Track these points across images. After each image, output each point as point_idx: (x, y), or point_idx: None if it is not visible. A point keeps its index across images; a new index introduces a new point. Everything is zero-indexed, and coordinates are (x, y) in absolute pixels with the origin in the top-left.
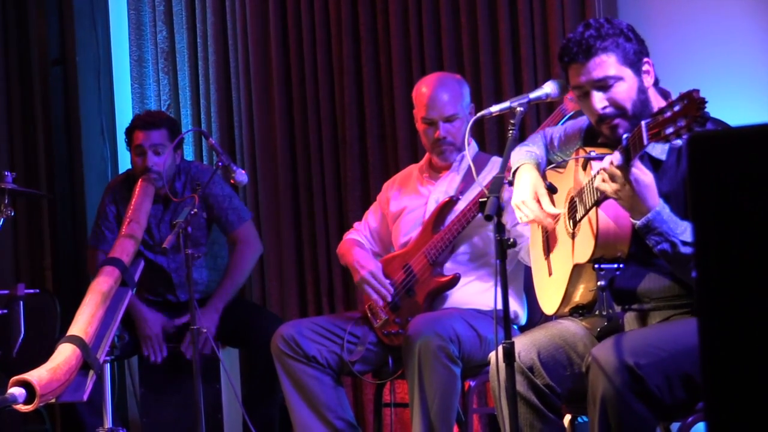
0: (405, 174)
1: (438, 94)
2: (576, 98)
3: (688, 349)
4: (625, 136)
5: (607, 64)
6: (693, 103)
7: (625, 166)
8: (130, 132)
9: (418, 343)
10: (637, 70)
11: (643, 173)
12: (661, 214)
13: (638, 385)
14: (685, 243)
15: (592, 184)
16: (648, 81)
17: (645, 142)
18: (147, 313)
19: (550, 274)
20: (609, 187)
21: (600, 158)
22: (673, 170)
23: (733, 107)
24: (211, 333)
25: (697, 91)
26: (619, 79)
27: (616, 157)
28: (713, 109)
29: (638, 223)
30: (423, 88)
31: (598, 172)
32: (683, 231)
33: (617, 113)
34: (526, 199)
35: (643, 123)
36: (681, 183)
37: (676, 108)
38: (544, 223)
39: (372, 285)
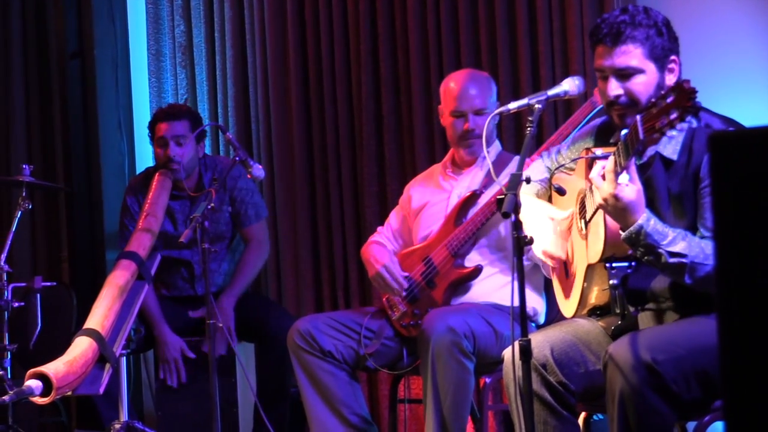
0: (427, 173)
1: (468, 87)
2: (597, 78)
3: (705, 346)
4: (623, 132)
5: (632, 55)
6: (684, 93)
7: (612, 178)
8: (152, 125)
9: (432, 337)
10: (661, 66)
11: (625, 187)
12: (644, 227)
13: (656, 381)
14: (672, 254)
15: None
16: (670, 79)
17: (641, 135)
18: (168, 336)
19: (567, 276)
20: (596, 198)
21: (605, 157)
22: (683, 170)
23: (736, 107)
24: (230, 330)
25: (688, 81)
26: (640, 71)
27: (608, 163)
28: (717, 109)
29: (623, 235)
30: (451, 83)
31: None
32: (671, 242)
33: (629, 104)
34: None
35: (638, 117)
36: (692, 183)
37: (668, 100)
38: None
39: (385, 279)
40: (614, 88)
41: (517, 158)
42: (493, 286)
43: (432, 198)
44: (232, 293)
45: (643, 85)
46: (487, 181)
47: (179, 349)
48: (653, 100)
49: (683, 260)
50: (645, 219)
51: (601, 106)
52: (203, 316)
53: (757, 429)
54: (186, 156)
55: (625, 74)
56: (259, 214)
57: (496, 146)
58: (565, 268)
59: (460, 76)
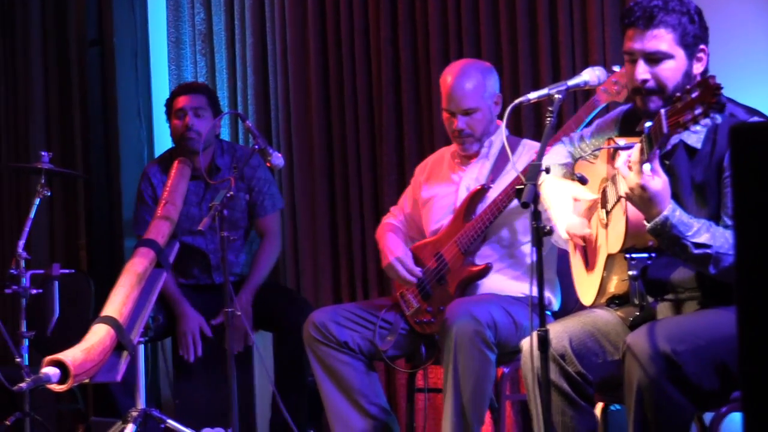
0: (437, 157)
1: (458, 86)
2: (625, 61)
3: (724, 337)
4: (647, 125)
5: (663, 40)
6: (709, 89)
7: (639, 168)
8: (170, 101)
9: (455, 326)
10: (691, 54)
11: (652, 179)
12: (670, 218)
13: (675, 372)
14: (697, 245)
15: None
16: (698, 68)
17: (665, 130)
18: (188, 310)
19: (587, 264)
20: (621, 188)
21: (629, 148)
22: (707, 159)
23: (745, 100)
24: (249, 324)
25: (713, 77)
26: (670, 57)
27: (634, 154)
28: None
29: (648, 226)
30: (447, 77)
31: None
32: (696, 233)
33: (655, 89)
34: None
35: (662, 111)
36: (715, 173)
37: (693, 95)
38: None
39: (397, 271)
40: (642, 72)
41: (524, 141)
42: (503, 281)
43: (441, 190)
44: (249, 288)
45: (672, 71)
46: (495, 174)
47: (197, 325)
48: (678, 93)
49: (708, 251)
50: (671, 210)
51: (603, 105)
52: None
53: None
54: (204, 128)
55: (654, 58)
56: (275, 205)
57: (503, 133)
58: (585, 256)
59: (454, 71)
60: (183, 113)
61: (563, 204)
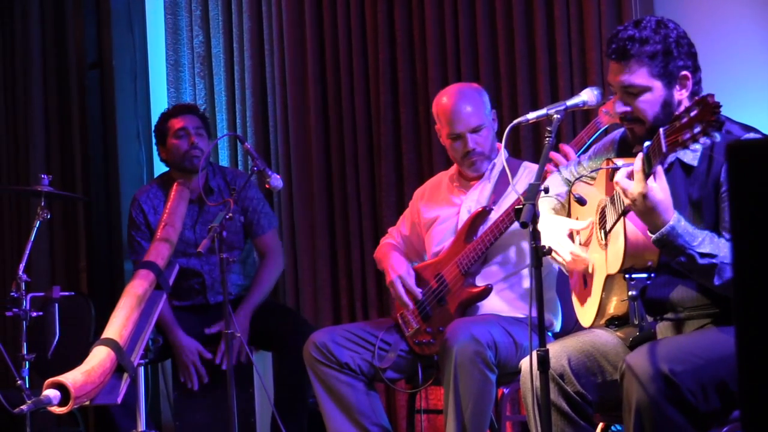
0: (434, 182)
1: (460, 107)
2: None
3: (723, 356)
4: (646, 144)
5: (637, 74)
6: (708, 108)
7: (641, 177)
8: (164, 124)
9: (455, 347)
10: (669, 83)
11: (655, 189)
12: (676, 228)
13: (673, 392)
14: (702, 255)
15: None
16: (681, 94)
17: (663, 149)
18: (183, 339)
19: (586, 285)
20: (625, 200)
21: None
22: (703, 176)
23: (748, 115)
24: (244, 340)
25: (712, 95)
26: (646, 89)
27: (636, 165)
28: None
29: (653, 237)
30: (443, 99)
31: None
32: (700, 243)
33: (636, 119)
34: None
35: (661, 130)
36: (712, 189)
37: (692, 114)
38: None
39: (397, 290)
40: (620, 105)
41: (525, 164)
42: (504, 301)
43: (442, 212)
44: (249, 306)
45: (649, 103)
46: (496, 196)
47: (196, 352)
48: (660, 117)
49: (713, 261)
50: (676, 220)
51: (605, 127)
52: (220, 330)
53: None
54: (204, 147)
55: (631, 92)
56: (272, 223)
57: (503, 155)
58: (583, 277)
59: (451, 96)
60: (185, 132)
61: (560, 238)
